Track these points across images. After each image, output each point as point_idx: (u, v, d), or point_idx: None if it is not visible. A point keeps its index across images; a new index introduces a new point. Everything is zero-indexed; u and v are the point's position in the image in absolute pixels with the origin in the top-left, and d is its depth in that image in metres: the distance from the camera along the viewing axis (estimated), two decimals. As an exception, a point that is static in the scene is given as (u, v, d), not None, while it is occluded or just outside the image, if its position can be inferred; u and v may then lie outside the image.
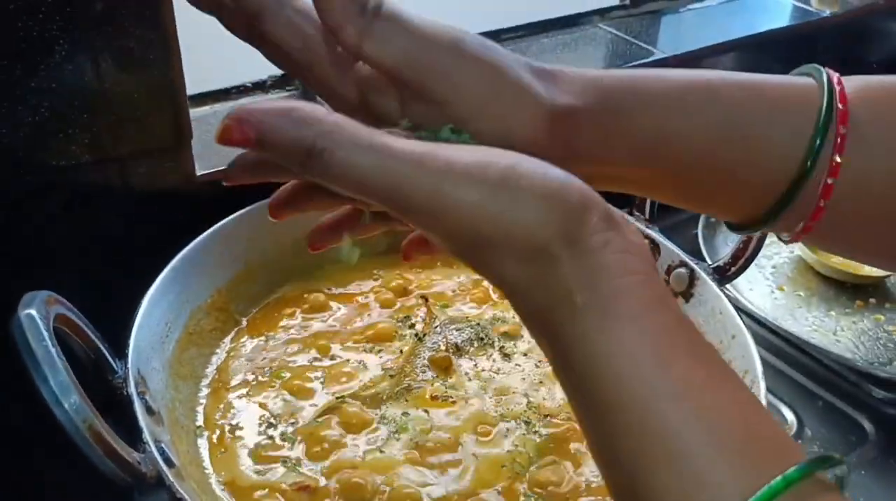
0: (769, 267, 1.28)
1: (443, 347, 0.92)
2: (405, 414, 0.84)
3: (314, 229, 0.64)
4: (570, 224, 0.41)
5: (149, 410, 0.73)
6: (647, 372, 0.42)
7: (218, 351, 0.92)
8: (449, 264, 1.06)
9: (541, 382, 0.89)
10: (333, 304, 0.99)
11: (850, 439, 1.03)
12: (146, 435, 0.68)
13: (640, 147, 0.54)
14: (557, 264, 0.41)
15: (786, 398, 1.06)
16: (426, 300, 0.99)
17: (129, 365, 0.75)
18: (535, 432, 0.83)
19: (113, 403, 0.71)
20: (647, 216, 0.99)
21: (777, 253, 1.30)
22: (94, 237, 0.94)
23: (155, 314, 0.83)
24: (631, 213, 1.01)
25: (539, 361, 0.91)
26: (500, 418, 0.84)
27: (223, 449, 0.80)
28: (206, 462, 0.79)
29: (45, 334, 0.61)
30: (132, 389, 0.72)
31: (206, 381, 0.88)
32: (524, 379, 0.89)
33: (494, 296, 1.01)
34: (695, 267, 0.93)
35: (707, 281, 0.91)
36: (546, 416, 0.84)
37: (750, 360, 0.82)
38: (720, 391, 0.43)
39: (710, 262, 0.94)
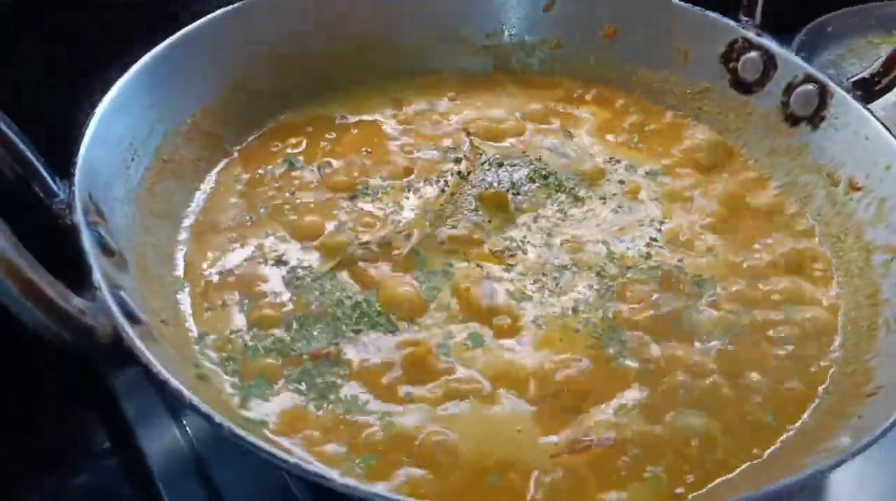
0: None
1: (495, 186, 0.70)
2: (445, 267, 0.63)
3: None
4: None
5: (105, 248, 0.53)
6: None
7: (203, 185, 0.70)
8: (493, 88, 0.84)
9: (618, 229, 0.68)
10: (349, 133, 0.77)
11: None
12: (96, 275, 0.48)
13: None
14: None
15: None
16: (468, 133, 0.77)
17: (77, 186, 0.53)
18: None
19: (54, 242, 0.50)
20: (757, 21, 0.76)
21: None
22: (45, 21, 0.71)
23: (115, 128, 0.62)
24: (737, 20, 0.77)
25: (619, 206, 0.70)
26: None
27: (210, 306, 0.60)
28: (189, 322, 0.58)
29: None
30: (79, 216, 0.51)
31: (187, 222, 0.66)
32: (600, 226, 0.68)
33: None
34: (827, 81, 0.71)
35: (846, 100, 0.69)
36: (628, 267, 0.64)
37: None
38: None
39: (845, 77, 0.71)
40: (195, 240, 0.65)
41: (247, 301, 0.60)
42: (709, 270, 0.66)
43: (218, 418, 0.43)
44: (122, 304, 0.49)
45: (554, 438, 0.53)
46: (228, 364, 0.56)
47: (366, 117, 0.79)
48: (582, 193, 0.71)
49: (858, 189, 0.67)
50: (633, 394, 0.56)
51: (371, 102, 0.81)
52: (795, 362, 0.59)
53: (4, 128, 0.50)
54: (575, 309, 0.60)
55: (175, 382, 0.44)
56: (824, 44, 1.01)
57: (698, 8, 0.79)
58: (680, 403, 0.55)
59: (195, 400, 0.43)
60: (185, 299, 0.60)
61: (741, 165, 0.76)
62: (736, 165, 0.76)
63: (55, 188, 0.53)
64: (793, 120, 0.73)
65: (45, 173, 0.53)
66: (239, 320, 0.59)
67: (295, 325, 0.59)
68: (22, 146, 0.51)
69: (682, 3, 0.80)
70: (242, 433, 0.42)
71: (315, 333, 0.58)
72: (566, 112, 0.82)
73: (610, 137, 0.79)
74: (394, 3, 0.82)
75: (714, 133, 0.79)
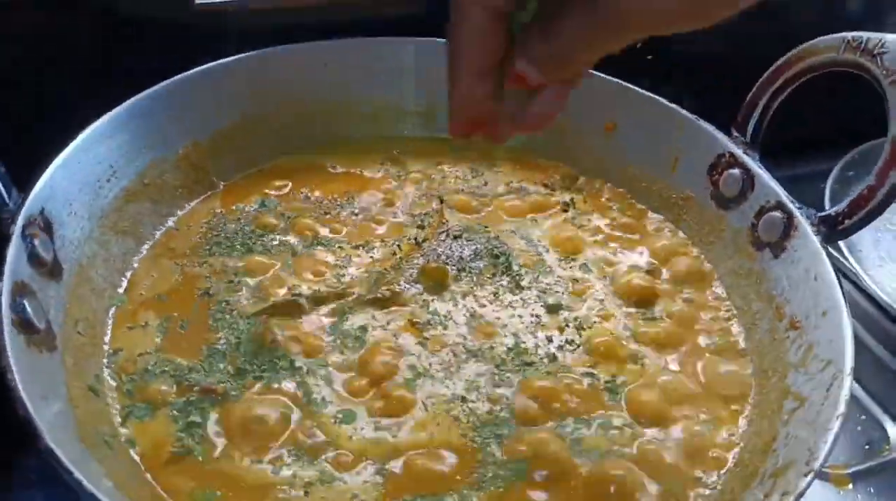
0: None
1: (443, 259, 0.72)
2: (362, 329, 0.66)
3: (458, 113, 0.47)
4: None
5: (35, 259, 0.59)
6: None
7: (179, 212, 0.76)
8: (488, 161, 0.86)
9: (539, 323, 0.68)
10: (333, 185, 0.81)
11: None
12: (3, 283, 0.54)
13: None
14: None
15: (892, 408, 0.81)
16: (440, 200, 0.79)
17: (30, 200, 0.60)
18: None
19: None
20: (747, 138, 0.74)
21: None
22: (58, 56, 0.79)
23: (96, 152, 0.69)
24: (728, 134, 0.76)
25: (556, 302, 0.70)
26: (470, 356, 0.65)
27: (133, 325, 0.65)
28: (108, 334, 0.64)
29: None
30: (17, 227, 0.58)
31: (149, 243, 0.72)
32: (521, 318, 0.68)
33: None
34: (795, 211, 0.68)
35: (807, 234, 0.67)
36: (528, 364, 0.64)
37: (838, 349, 0.58)
38: None
39: (816, 210, 0.68)
40: (148, 261, 0.71)
41: (167, 325, 0.65)
42: (624, 380, 0.65)
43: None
44: (21, 311, 0.54)
45: (390, 518, 0.54)
46: (125, 383, 0.61)
47: (355, 170, 0.83)
48: (525, 282, 0.72)
49: (796, 328, 0.64)
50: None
51: (368, 157, 0.85)
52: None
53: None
54: (464, 398, 0.61)
55: (20, 388, 0.48)
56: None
57: (695, 117, 0.78)
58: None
59: (27, 404, 0.47)
60: (113, 315, 0.66)
61: (705, 284, 0.74)
62: (701, 284, 0.74)
63: (6, 198, 0.59)
64: (758, 244, 0.71)
65: (1, 185, 0.59)
66: (153, 342, 0.64)
67: (205, 353, 0.63)
68: (-20, 157, 0.58)
69: (682, 111, 0.79)
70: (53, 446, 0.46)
71: (218, 368, 0.62)
72: (546, 196, 0.82)
73: (582, 232, 0.79)
74: (404, 71, 0.86)
75: (683, 244, 0.78)
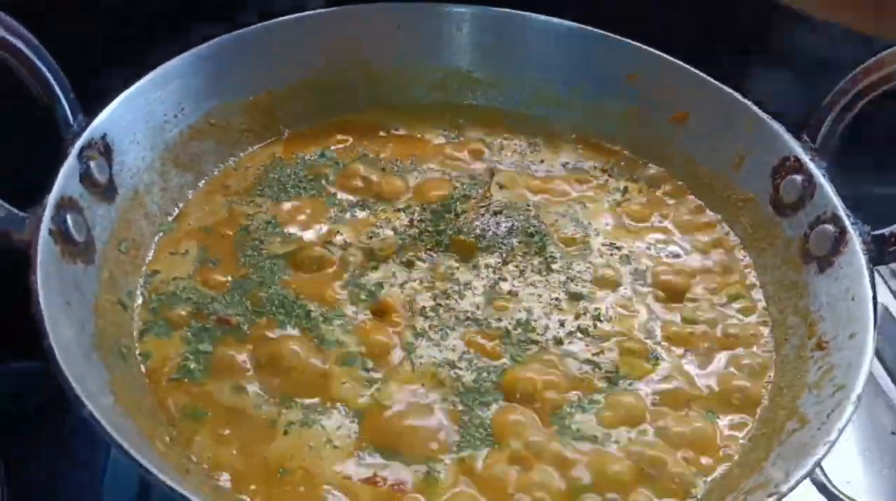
0: None
1: (477, 232, 0.72)
2: (378, 285, 0.68)
3: None
4: None
5: (88, 179, 0.64)
6: None
7: (241, 154, 0.80)
8: (551, 138, 0.85)
9: (556, 306, 0.67)
10: (392, 145, 0.83)
11: None
12: (50, 196, 0.59)
13: None
14: None
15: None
16: (492, 173, 0.79)
17: (94, 124, 0.65)
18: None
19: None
20: (816, 144, 0.70)
21: None
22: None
23: (167, 89, 0.73)
24: (798, 138, 0.71)
25: (580, 290, 0.69)
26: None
27: (175, 251, 0.70)
28: (150, 256, 0.69)
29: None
30: (74, 148, 0.63)
31: (205, 180, 0.77)
32: (540, 298, 0.68)
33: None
34: (848, 226, 0.64)
35: (856, 251, 0.63)
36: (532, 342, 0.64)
37: (854, 374, 0.55)
38: None
39: (872, 229, 0.64)
40: (202, 196, 0.75)
41: (204, 256, 0.69)
42: (627, 374, 0.63)
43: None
44: (62, 223, 0.59)
45: (354, 467, 0.56)
46: (152, 301, 0.65)
47: (415, 134, 0.85)
48: (556, 266, 0.71)
49: (823, 348, 0.61)
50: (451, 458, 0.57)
51: (430, 122, 0.86)
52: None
53: (38, 62, 0.62)
54: (454, 364, 0.62)
55: (40, 294, 0.53)
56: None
57: (768, 116, 0.74)
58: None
59: (43, 309, 0.52)
60: (159, 240, 0.71)
61: (745, 292, 0.71)
62: (741, 291, 0.71)
63: (71, 120, 0.65)
64: (807, 257, 0.68)
65: (66, 105, 0.65)
66: (188, 270, 0.68)
67: (230, 286, 0.67)
68: (49, 77, 0.63)
69: (756, 108, 0.75)
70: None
71: (239, 302, 0.66)
72: (602, 181, 0.81)
73: (632, 222, 0.77)
74: (475, 40, 0.86)
75: (733, 248, 0.74)
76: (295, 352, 0.62)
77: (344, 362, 0.61)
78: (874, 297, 0.59)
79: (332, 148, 0.82)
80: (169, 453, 0.53)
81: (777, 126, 0.73)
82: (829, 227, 0.65)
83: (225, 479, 0.54)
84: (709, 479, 0.57)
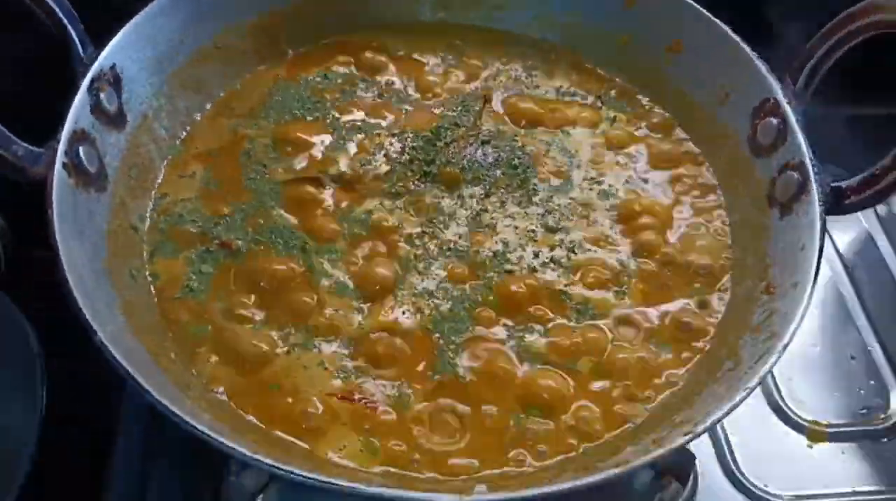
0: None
1: (464, 163, 0.77)
2: (368, 213, 0.73)
3: None
4: None
5: (99, 109, 0.69)
6: None
7: (246, 74, 0.84)
8: (548, 62, 0.87)
9: (532, 239, 0.72)
10: (392, 67, 0.86)
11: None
12: (63, 131, 0.64)
13: None
14: None
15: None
16: (486, 101, 0.82)
17: (102, 56, 0.70)
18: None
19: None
20: (796, 86, 0.71)
21: None
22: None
23: (172, 15, 0.77)
24: (781, 79, 0.73)
25: (557, 221, 0.73)
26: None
27: (183, 174, 0.75)
28: (159, 180, 0.75)
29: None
30: (84, 81, 0.68)
31: (211, 102, 0.81)
32: (517, 229, 0.73)
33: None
34: (811, 176, 0.67)
35: (814, 201, 0.66)
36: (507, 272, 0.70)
37: (786, 324, 0.59)
38: None
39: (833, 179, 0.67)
40: (208, 118, 0.80)
41: (209, 176, 0.75)
42: (595, 305, 0.69)
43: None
44: (75, 156, 0.65)
45: (339, 383, 0.63)
46: (161, 223, 0.72)
47: (415, 55, 0.87)
48: (537, 198, 0.75)
49: (770, 293, 0.65)
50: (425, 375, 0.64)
51: (429, 43, 0.88)
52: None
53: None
54: (432, 293, 0.68)
55: (56, 226, 0.60)
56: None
57: (755, 55, 0.75)
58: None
59: (58, 241, 0.59)
60: (167, 164, 0.76)
61: (714, 226, 0.75)
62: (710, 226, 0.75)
63: (81, 52, 0.69)
64: (771, 201, 0.71)
65: (76, 38, 0.69)
66: (194, 191, 0.74)
67: (232, 209, 0.73)
68: (61, 15, 0.68)
69: (746, 47, 0.76)
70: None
71: (240, 226, 0.72)
72: (592, 110, 0.83)
73: (615, 155, 0.80)
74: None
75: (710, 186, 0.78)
76: (290, 279, 0.68)
77: (336, 292, 0.68)
78: (821, 248, 0.63)
79: (334, 69, 0.85)
80: (172, 368, 0.61)
81: (762, 66, 0.74)
82: (795, 174, 0.68)
83: (220, 391, 0.62)
84: (648, 407, 0.63)
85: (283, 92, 0.83)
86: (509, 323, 0.67)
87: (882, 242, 0.96)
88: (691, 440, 0.53)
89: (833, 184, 0.66)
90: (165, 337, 0.65)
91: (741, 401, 0.55)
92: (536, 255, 0.71)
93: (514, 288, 0.68)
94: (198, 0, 0.78)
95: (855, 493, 0.77)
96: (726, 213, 0.76)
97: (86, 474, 0.77)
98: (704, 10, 0.79)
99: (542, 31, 0.89)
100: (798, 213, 0.67)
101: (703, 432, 0.54)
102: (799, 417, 0.81)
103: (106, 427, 0.75)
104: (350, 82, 0.84)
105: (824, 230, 0.64)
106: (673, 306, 0.70)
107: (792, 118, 0.71)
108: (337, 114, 0.81)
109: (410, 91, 0.84)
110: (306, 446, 0.60)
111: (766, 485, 0.76)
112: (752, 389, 0.56)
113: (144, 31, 0.74)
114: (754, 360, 0.58)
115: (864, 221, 0.97)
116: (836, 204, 0.65)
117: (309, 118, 0.80)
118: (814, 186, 0.66)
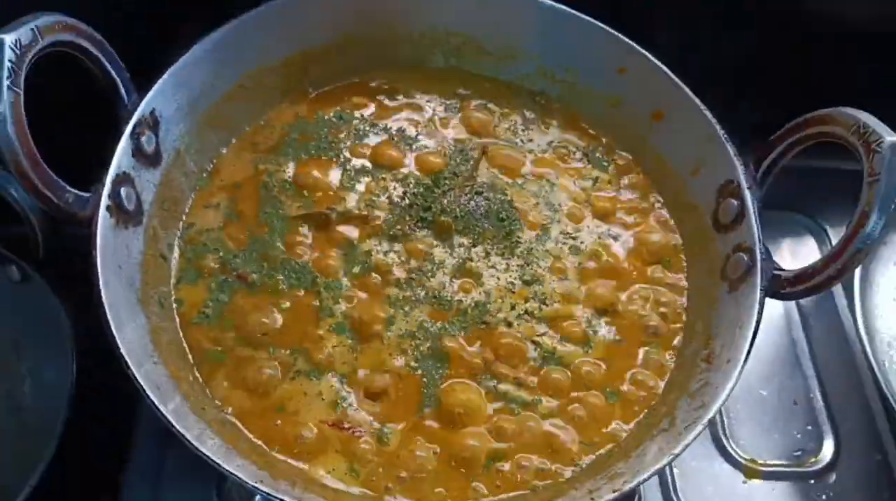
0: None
1: (457, 212, 0.86)
2: (367, 254, 0.83)
3: None
4: None
5: (141, 151, 0.78)
6: None
7: (269, 111, 0.93)
8: (543, 116, 0.95)
9: (510, 291, 0.82)
10: (402, 112, 0.95)
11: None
12: (108, 175, 0.74)
13: None
14: None
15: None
16: (483, 152, 0.91)
17: (143, 103, 0.79)
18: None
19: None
20: (758, 174, 0.80)
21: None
22: None
23: (205, 61, 0.84)
24: (746, 164, 0.81)
25: (530, 275, 0.83)
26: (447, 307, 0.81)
27: (208, 204, 0.85)
28: (187, 209, 0.85)
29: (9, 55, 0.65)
30: (128, 127, 0.77)
31: (237, 136, 0.90)
32: (498, 281, 0.82)
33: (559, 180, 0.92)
34: (758, 261, 0.76)
35: (755, 286, 0.75)
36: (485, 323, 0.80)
37: (713, 401, 0.69)
38: None
39: (783, 267, 0.75)
40: (233, 153, 0.90)
41: (231, 208, 0.85)
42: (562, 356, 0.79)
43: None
44: (117, 197, 0.75)
45: (332, 413, 0.74)
46: (188, 251, 0.82)
47: (427, 100, 0.96)
48: (519, 250, 0.85)
49: (709, 363, 0.75)
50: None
51: (440, 90, 0.97)
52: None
53: (94, 50, 0.75)
54: (414, 334, 0.79)
55: (98, 266, 0.70)
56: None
57: (725, 137, 0.83)
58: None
59: (102, 296, 0.69)
60: (195, 195, 0.86)
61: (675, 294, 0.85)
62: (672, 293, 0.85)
63: (126, 100, 0.79)
64: (723, 275, 0.80)
65: (122, 87, 0.78)
66: (217, 221, 0.84)
67: (249, 241, 0.83)
68: (108, 67, 0.77)
69: (718, 127, 0.83)
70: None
71: (256, 260, 0.82)
72: (578, 167, 0.92)
73: (591, 211, 0.89)
74: (494, 10, 0.94)
75: (675, 249, 0.87)
76: (296, 313, 0.79)
77: (335, 329, 0.78)
78: (755, 333, 0.72)
79: (348, 111, 0.94)
80: (191, 392, 0.72)
81: (730, 148, 0.82)
82: (745, 257, 0.77)
83: (229, 412, 0.74)
84: (594, 456, 0.74)
85: (301, 130, 0.92)
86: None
87: (839, 295, 1.05)
88: (618, 496, 0.64)
89: (775, 272, 0.75)
90: (187, 360, 0.76)
91: (662, 467, 0.66)
92: (513, 307, 0.81)
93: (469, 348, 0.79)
94: (229, 47, 0.86)
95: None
96: (686, 278, 0.85)
97: (113, 434, 0.89)
98: (685, 87, 0.87)
99: (542, 85, 0.97)
100: (743, 292, 0.76)
101: (628, 491, 0.64)
102: (738, 454, 0.92)
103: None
104: (363, 123, 0.93)
105: (761, 313, 0.73)
106: (630, 364, 0.80)
107: (749, 203, 0.79)
108: (348, 155, 0.90)
109: (418, 136, 0.93)
110: (303, 466, 0.71)
111: (698, 516, 0.87)
112: (677, 455, 0.66)
113: (181, 78, 0.83)
114: (685, 425, 0.69)
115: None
116: (774, 292, 0.74)
117: (323, 157, 0.90)
118: (758, 271, 0.75)
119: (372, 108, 0.95)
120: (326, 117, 0.93)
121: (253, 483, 0.62)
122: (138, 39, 0.81)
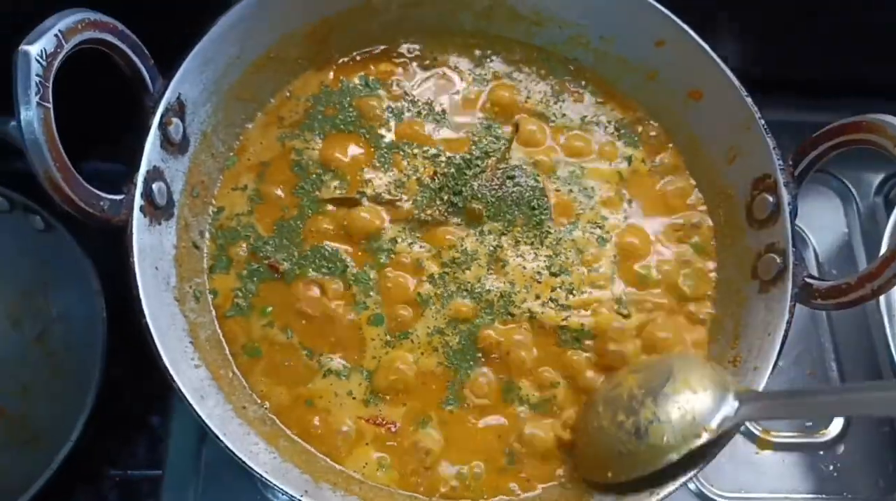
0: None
1: (489, 198, 0.85)
2: (392, 241, 0.83)
3: None
4: None
5: (169, 140, 0.77)
6: None
7: (295, 81, 0.90)
8: (576, 84, 0.93)
9: (536, 280, 0.82)
10: (430, 83, 0.92)
11: None
12: (139, 174, 0.73)
13: None
14: None
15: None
16: (515, 128, 0.89)
17: (168, 90, 0.76)
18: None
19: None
20: (795, 171, 0.78)
21: None
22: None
23: (227, 37, 0.81)
24: (784, 158, 0.79)
25: (558, 266, 0.83)
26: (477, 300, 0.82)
27: (235, 186, 0.84)
28: (215, 194, 0.84)
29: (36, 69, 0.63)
30: (155, 118, 0.75)
31: (262, 110, 0.88)
32: (524, 270, 0.83)
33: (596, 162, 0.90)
34: (790, 266, 0.76)
35: (787, 291, 0.75)
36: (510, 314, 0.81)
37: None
38: None
39: (818, 275, 0.76)
40: (260, 129, 0.88)
41: (259, 189, 0.84)
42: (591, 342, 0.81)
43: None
44: (150, 195, 0.74)
45: (367, 410, 0.77)
46: (219, 238, 0.82)
47: (454, 66, 0.93)
48: (548, 240, 0.84)
49: (736, 365, 0.77)
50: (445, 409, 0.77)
51: (470, 56, 0.93)
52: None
53: (118, 42, 0.72)
54: (441, 331, 0.80)
55: (137, 271, 0.70)
56: None
57: (765, 127, 0.81)
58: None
59: (140, 293, 0.70)
60: (223, 176, 0.85)
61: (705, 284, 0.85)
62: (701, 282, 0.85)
63: (151, 88, 0.76)
64: (754, 273, 0.80)
65: (146, 76, 0.76)
66: (246, 205, 0.83)
67: (278, 226, 0.83)
68: (133, 57, 0.74)
69: (758, 115, 0.81)
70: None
71: (287, 247, 0.82)
72: (611, 144, 0.90)
73: (628, 192, 0.88)
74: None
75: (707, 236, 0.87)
76: (326, 306, 0.80)
77: (373, 322, 0.79)
78: (784, 337, 0.73)
79: (373, 78, 0.91)
80: (231, 391, 0.74)
81: (770, 142, 0.80)
82: (777, 259, 0.77)
83: (267, 407, 0.76)
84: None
85: (327, 101, 0.89)
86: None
87: (861, 263, 1.05)
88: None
89: (807, 280, 0.75)
90: (225, 355, 0.77)
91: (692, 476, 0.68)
92: (538, 297, 0.82)
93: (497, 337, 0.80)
94: (255, 17, 0.83)
95: (787, 499, 0.92)
96: (716, 268, 0.85)
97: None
98: (726, 68, 0.84)
99: (574, 52, 0.93)
100: (774, 297, 0.76)
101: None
102: (752, 426, 0.95)
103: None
104: (389, 95, 0.90)
105: (790, 322, 0.74)
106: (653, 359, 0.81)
107: (785, 202, 0.78)
108: (376, 131, 0.88)
109: (446, 110, 0.90)
110: (337, 465, 0.74)
111: (711, 485, 0.92)
112: (701, 469, 0.69)
113: (205, 55, 0.80)
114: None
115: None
116: (805, 299, 0.75)
117: (353, 132, 0.88)
118: (790, 277, 0.75)
119: (399, 76, 0.92)
120: (352, 85, 0.91)
121: (300, 497, 0.65)
122: (157, 25, 0.78)
